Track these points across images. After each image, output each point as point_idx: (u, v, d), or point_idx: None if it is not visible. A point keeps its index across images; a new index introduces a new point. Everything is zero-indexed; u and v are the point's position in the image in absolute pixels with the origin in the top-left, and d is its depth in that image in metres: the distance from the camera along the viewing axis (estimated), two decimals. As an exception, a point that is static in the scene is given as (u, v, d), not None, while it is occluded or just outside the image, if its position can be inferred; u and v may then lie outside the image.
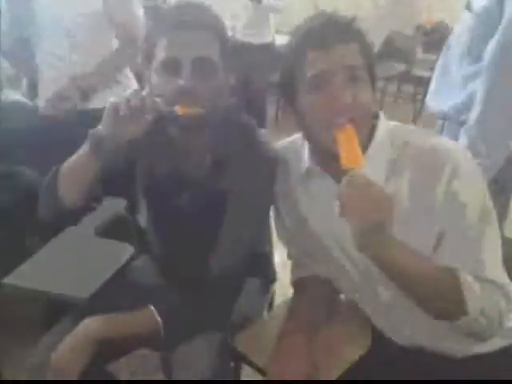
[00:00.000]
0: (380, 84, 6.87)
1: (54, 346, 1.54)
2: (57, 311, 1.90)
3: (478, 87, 2.10)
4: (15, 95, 3.09)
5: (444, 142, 1.54)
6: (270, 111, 6.49)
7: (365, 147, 1.48)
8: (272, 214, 1.84)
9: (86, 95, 2.69)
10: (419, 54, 6.80)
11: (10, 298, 2.26)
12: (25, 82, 3.22)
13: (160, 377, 1.76)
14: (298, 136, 1.72)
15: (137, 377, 2.47)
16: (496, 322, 1.43)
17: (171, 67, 1.56)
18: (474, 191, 1.45)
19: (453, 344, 1.58)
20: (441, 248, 1.46)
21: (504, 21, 2.01)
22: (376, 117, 1.55)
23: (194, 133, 1.66)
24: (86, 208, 1.71)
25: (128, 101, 1.48)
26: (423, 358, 1.62)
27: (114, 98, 1.52)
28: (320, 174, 1.60)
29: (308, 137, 1.58)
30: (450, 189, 1.41)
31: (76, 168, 1.62)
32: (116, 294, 1.85)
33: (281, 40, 5.29)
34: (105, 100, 1.58)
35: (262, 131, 1.76)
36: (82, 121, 1.74)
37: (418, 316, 1.48)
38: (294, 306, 1.80)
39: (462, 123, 2.20)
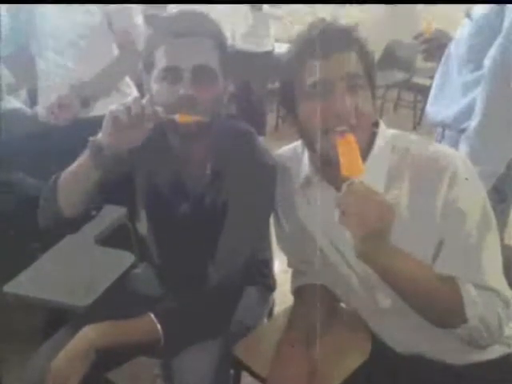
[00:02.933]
0: (380, 92, 6.88)
1: (54, 354, 1.53)
2: (56, 319, 1.90)
3: (478, 95, 2.10)
4: (15, 103, 3.09)
5: (444, 149, 1.54)
6: (270, 119, 6.49)
7: (365, 155, 1.48)
8: (272, 221, 1.84)
9: (86, 103, 2.69)
10: (419, 62, 6.80)
11: (10, 306, 2.26)
12: (25, 89, 3.23)
13: (160, 384, 1.76)
14: (297, 143, 1.72)
15: (137, 385, 2.46)
16: (495, 329, 1.43)
17: (171, 75, 1.57)
18: (473, 199, 1.45)
19: (452, 352, 1.58)
20: (440, 255, 1.46)
21: (504, 29, 2.02)
22: (376, 125, 1.55)
23: (193, 141, 1.66)
24: (86, 216, 1.71)
25: (128, 109, 1.48)
26: (423, 365, 1.62)
27: (114, 105, 1.52)
28: (319, 181, 1.60)
29: (308, 144, 1.59)
30: (449, 196, 1.41)
31: (76, 176, 1.62)
32: (116, 301, 1.85)
33: (281, 48, 5.29)
34: (105, 108, 1.58)
35: (262, 139, 1.76)
36: (81, 129, 1.73)
37: (417, 323, 1.48)
38: (294, 313, 1.80)
39: (462, 131, 2.20)
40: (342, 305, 1.89)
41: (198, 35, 1.58)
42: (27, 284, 2.04)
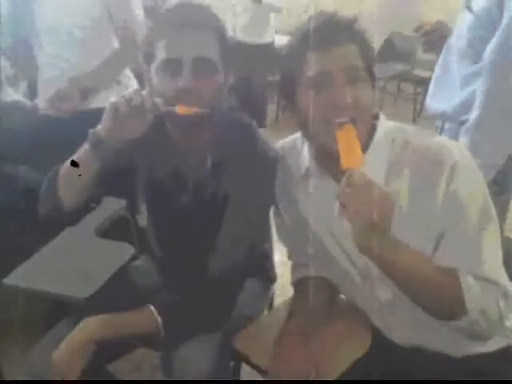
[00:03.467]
0: (380, 84, 6.87)
1: (54, 346, 1.54)
2: (57, 311, 1.90)
3: (478, 87, 2.10)
4: (15, 95, 3.08)
5: (444, 141, 1.54)
6: (271, 111, 6.49)
7: (365, 147, 1.48)
8: (272, 213, 1.84)
9: (86, 95, 2.68)
10: (419, 54, 6.80)
11: (10, 298, 2.26)
12: (25, 81, 3.22)
13: (160, 377, 1.76)
14: (297, 136, 1.72)
15: (137, 377, 2.47)
16: (496, 321, 1.43)
17: (171, 67, 1.57)
18: (473, 191, 1.45)
19: (453, 344, 1.58)
20: (441, 248, 1.46)
21: (503, 21, 2.01)
22: (376, 117, 1.55)
23: (194, 133, 1.66)
24: (86, 208, 1.71)
25: (128, 101, 1.49)
26: (423, 357, 1.62)
27: (114, 97, 1.52)
28: (320, 173, 1.60)
29: (308, 136, 1.59)
30: (449, 188, 1.41)
31: (76, 168, 1.62)
32: (116, 294, 1.85)
33: (281, 40, 5.29)
34: (105, 100, 1.58)
35: (262, 131, 1.76)
36: (81, 121, 1.73)
37: (417, 316, 1.48)
38: (294, 305, 1.80)
39: (462, 123, 2.20)
40: (342, 297, 1.90)
41: (199, 27, 1.58)
42: (27, 276, 2.04)
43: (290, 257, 1.93)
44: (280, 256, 2.16)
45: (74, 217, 1.72)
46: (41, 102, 2.79)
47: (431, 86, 2.51)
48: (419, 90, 7.06)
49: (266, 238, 2.11)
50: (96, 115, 1.56)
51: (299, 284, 1.87)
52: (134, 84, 2.93)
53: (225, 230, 1.66)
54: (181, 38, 1.57)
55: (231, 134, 1.69)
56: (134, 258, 2.11)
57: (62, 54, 2.73)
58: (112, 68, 2.80)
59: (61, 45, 2.71)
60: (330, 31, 1.44)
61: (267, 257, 2.16)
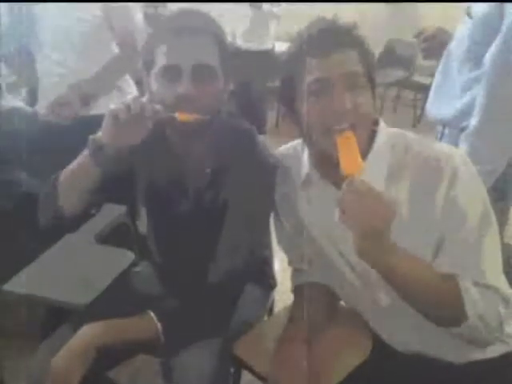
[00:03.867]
0: (380, 90, 6.87)
1: (54, 352, 1.53)
2: (56, 317, 1.90)
3: (479, 93, 2.10)
4: (15, 101, 3.09)
5: (444, 148, 1.54)
6: (270, 117, 6.49)
7: (365, 153, 1.48)
8: (272, 219, 1.84)
9: (86, 101, 2.68)
10: (419, 60, 6.80)
11: (10, 304, 2.26)
12: (25, 88, 3.23)
13: (160, 383, 1.76)
14: (297, 142, 1.72)
15: (137, 383, 2.46)
16: (495, 327, 1.43)
17: (171, 74, 1.57)
18: (473, 197, 1.45)
19: (453, 350, 1.57)
20: (440, 254, 1.46)
21: (504, 27, 2.01)
22: (376, 123, 1.55)
23: (193, 139, 1.66)
24: (86, 214, 1.71)
25: (128, 107, 1.48)
26: (423, 364, 1.61)
27: (114, 104, 1.52)
28: (320, 179, 1.60)
29: (308, 143, 1.59)
30: (449, 195, 1.41)
31: (76, 174, 1.61)
32: (116, 300, 1.84)
33: (281, 47, 5.30)
34: (105, 106, 1.58)
35: (262, 137, 1.76)
36: (82, 127, 1.73)
37: (417, 322, 1.47)
38: (294, 312, 1.80)
39: (462, 129, 2.20)
40: (342, 303, 1.89)
41: (198, 33, 1.58)
42: (27, 282, 2.05)
43: (290, 263, 1.93)
44: (280, 262, 2.16)
45: (74, 223, 1.72)
46: (41, 109, 2.79)
47: (431, 92, 2.50)
48: (419, 96, 7.06)
49: (266, 244, 2.11)
50: (96, 121, 1.56)
51: (299, 290, 1.86)
52: (134, 90, 2.93)
53: (224, 235, 1.66)
54: (180, 44, 1.57)
55: (231, 140, 1.69)
56: (133, 264, 2.11)
57: (62, 61, 2.73)
58: (112, 74, 2.81)
59: (61, 51, 2.72)
60: (330, 37, 1.44)
61: (267, 263, 2.16)
